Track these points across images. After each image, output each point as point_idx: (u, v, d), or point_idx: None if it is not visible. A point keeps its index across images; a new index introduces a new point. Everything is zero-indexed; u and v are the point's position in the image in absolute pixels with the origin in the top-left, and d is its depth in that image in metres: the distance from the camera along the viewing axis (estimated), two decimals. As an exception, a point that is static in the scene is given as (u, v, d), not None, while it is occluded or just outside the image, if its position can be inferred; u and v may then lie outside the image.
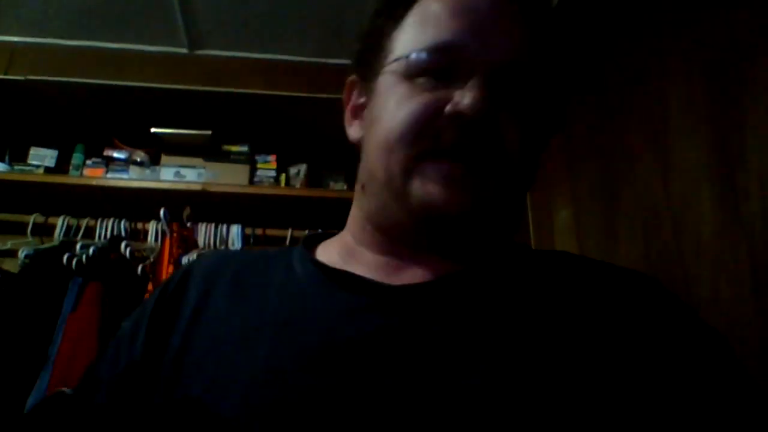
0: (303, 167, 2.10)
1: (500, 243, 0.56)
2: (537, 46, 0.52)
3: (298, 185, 2.06)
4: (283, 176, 2.08)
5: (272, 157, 2.09)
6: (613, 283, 0.51)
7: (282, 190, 2.02)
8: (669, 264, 1.13)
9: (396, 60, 0.52)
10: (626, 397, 0.42)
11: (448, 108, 0.48)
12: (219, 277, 0.55)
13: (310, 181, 2.11)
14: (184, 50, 2.03)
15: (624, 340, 0.45)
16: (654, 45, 1.25)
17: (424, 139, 0.48)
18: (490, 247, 0.54)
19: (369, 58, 0.56)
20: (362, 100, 0.58)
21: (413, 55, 0.50)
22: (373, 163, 0.53)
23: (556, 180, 1.76)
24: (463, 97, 0.47)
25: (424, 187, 0.48)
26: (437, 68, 0.50)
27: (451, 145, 0.48)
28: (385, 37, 0.55)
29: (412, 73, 0.51)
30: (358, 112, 0.59)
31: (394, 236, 0.53)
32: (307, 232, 1.94)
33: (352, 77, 0.60)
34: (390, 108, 0.52)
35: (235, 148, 2.06)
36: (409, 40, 0.52)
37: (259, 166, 2.07)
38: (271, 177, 2.06)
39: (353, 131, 0.59)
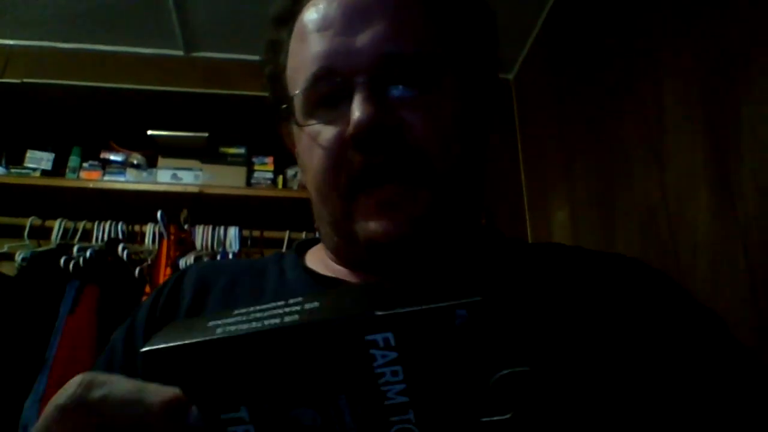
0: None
1: (472, 234, 0.54)
2: (415, 26, 0.48)
3: (295, 187, 2.05)
4: (280, 178, 2.08)
5: (269, 159, 2.08)
6: (608, 269, 0.51)
7: (279, 192, 2.01)
8: (666, 263, 1.13)
9: (287, 105, 0.51)
10: (630, 378, 0.41)
11: (347, 134, 0.46)
12: (212, 284, 0.55)
13: (307, 182, 2.11)
14: (180, 52, 2.03)
15: (623, 323, 0.45)
16: (649, 44, 1.26)
17: (343, 175, 0.47)
18: (463, 242, 0.52)
19: (276, 100, 0.55)
20: (292, 144, 0.57)
21: (299, 95, 0.49)
22: (318, 210, 0.52)
23: (553, 180, 1.76)
24: (352, 117, 0.45)
25: (366, 226, 0.46)
26: (326, 95, 0.48)
27: (363, 167, 0.46)
28: (280, 74, 0.54)
29: (307, 111, 0.49)
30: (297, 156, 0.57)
31: (359, 267, 0.52)
32: (304, 234, 1.96)
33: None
34: (305, 157, 0.51)
35: (232, 150, 2.06)
36: (293, 76, 0.51)
37: (256, 167, 2.07)
38: (268, 179, 2.06)
39: (300, 176, 0.58)
